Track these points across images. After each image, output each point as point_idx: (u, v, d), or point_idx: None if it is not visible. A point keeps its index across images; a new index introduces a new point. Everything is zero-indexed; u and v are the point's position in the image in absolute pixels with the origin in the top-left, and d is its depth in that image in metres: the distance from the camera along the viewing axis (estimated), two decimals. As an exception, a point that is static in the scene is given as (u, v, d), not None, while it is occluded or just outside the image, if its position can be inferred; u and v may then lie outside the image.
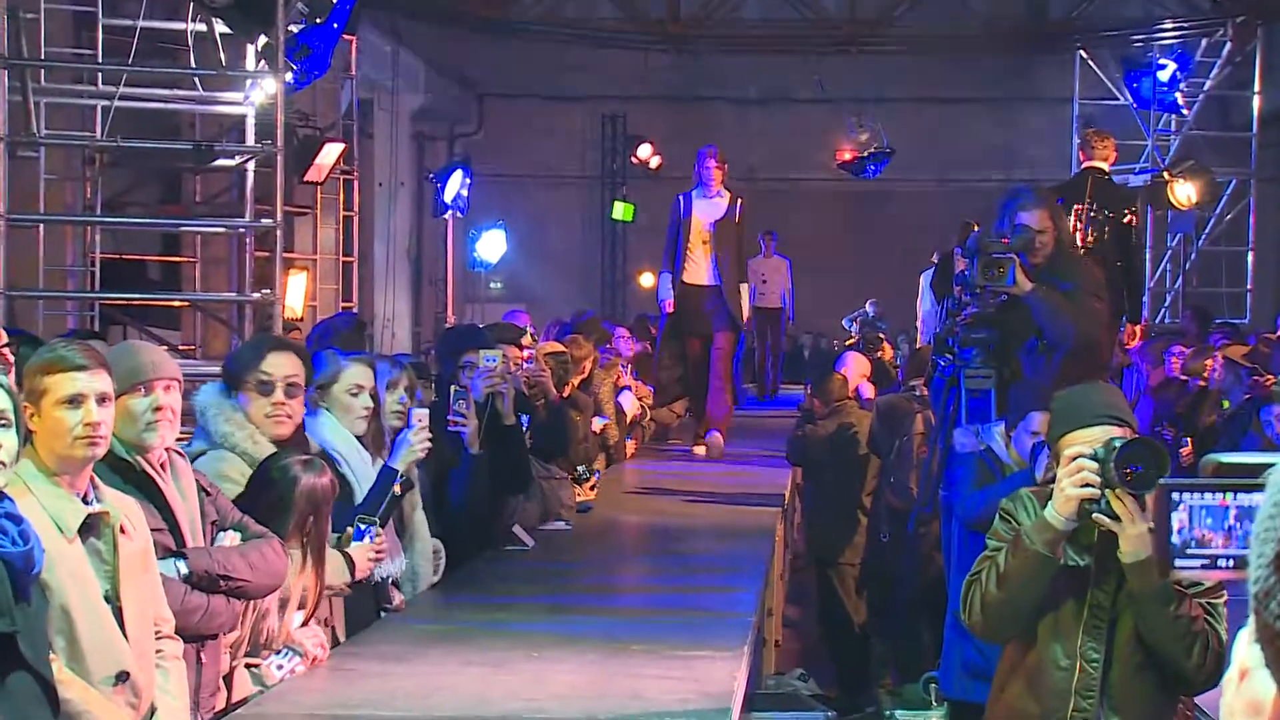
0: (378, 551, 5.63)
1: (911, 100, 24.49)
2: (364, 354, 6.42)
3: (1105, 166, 9.99)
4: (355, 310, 16.69)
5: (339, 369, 5.99)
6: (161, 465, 4.55)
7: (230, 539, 4.70)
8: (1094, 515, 4.22)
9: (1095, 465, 4.17)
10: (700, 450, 12.37)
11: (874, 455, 10.21)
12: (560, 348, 9.89)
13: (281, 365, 5.38)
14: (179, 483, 4.61)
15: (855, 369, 11.41)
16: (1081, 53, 20.03)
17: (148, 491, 4.46)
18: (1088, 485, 4.18)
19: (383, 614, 5.99)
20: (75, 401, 4.03)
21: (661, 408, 13.31)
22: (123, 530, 4.09)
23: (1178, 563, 1.90)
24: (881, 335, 15.60)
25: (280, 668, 4.95)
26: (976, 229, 7.97)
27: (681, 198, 12.43)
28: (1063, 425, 4.39)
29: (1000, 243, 7.01)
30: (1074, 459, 4.21)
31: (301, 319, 15.54)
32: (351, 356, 6.13)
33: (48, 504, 3.97)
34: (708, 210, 12.27)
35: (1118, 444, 4.16)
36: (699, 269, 12.24)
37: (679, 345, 12.61)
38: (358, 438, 5.98)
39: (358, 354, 6.29)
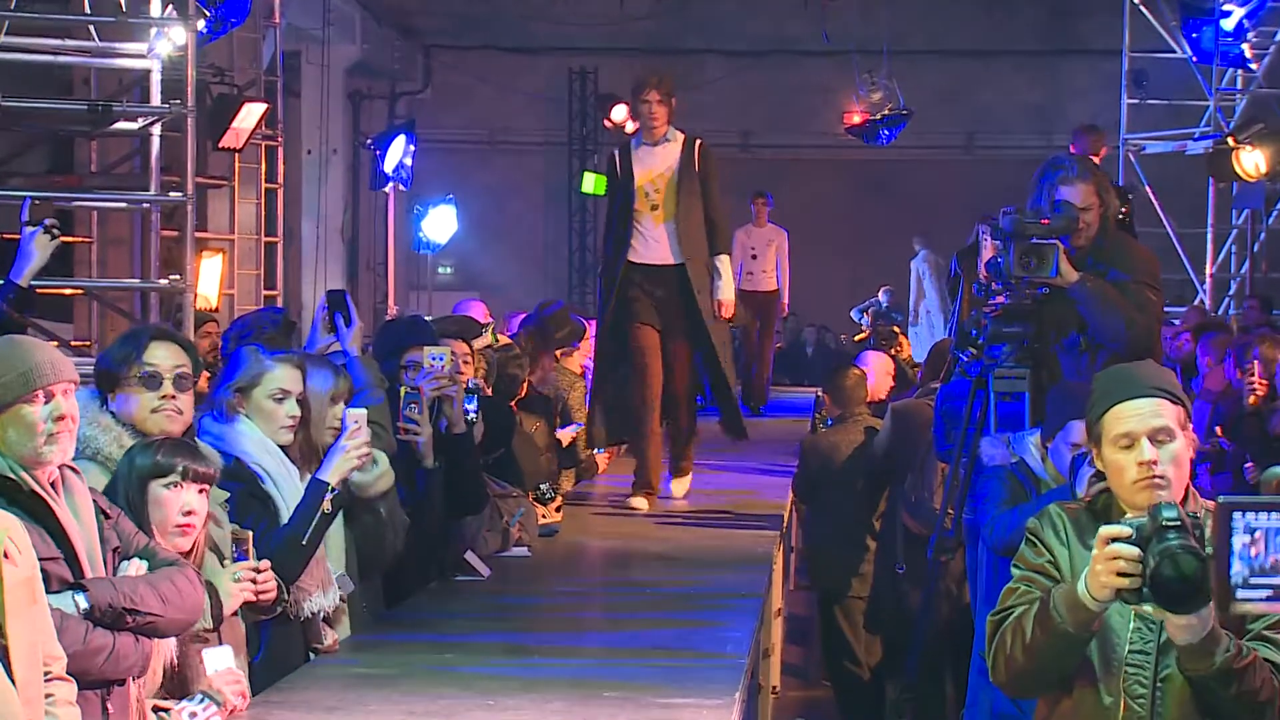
0: (256, 581, 5.40)
1: (933, 52, 24.57)
2: (292, 352, 6.42)
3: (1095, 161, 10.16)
4: (281, 302, 16.70)
5: (261, 369, 6.00)
6: (52, 484, 4.55)
7: (135, 568, 4.70)
8: (1134, 607, 4.17)
9: (1135, 553, 4.06)
10: (640, 503, 10.45)
11: (888, 470, 10.23)
12: (508, 342, 9.95)
13: (167, 356, 5.47)
14: (74, 504, 4.60)
15: (878, 370, 11.45)
16: (1132, -4, 20.09)
17: (37, 514, 4.46)
18: (1125, 574, 4.10)
19: (313, 655, 6.00)
20: None
21: (595, 449, 11.76)
22: (5, 555, 4.09)
23: (1240, 594, 1.93)
24: (897, 329, 15.67)
25: (194, 716, 4.96)
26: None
27: (616, 153, 10.97)
28: (1106, 400, 4.37)
29: (1039, 224, 7.02)
30: (1110, 541, 4.10)
31: (216, 309, 15.54)
32: (277, 355, 6.14)
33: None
34: (653, 161, 10.67)
35: (1166, 517, 4.04)
36: (649, 243, 10.59)
37: (620, 358, 10.74)
38: (283, 449, 5.99)
39: (284, 352, 6.30)
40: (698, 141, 10.70)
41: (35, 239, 7.31)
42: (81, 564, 4.55)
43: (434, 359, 7.43)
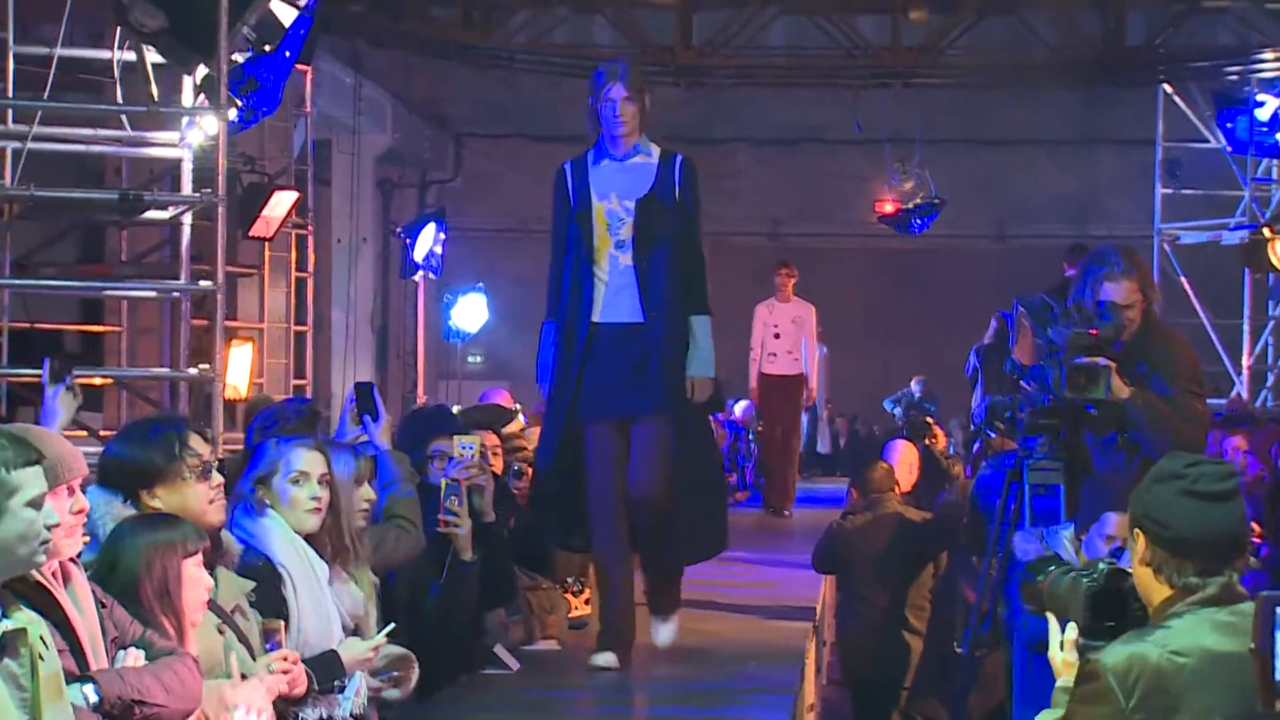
0: (287, 672, 5.38)
1: (965, 141, 24.63)
2: (308, 438, 6.45)
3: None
4: (310, 391, 16.74)
5: (277, 455, 6.03)
6: (54, 574, 4.58)
7: (134, 657, 4.72)
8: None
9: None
10: (607, 660, 8.10)
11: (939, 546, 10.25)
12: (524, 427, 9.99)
13: (205, 447, 5.54)
14: (75, 594, 4.63)
15: (903, 461, 11.45)
16: (1165, 86, 20.14)
17: (43, 606, 4.47)
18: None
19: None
20: (38, 502, 4.13)
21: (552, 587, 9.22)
22: (41, 649, 4.12)
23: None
24: (930, 419, 15.64)
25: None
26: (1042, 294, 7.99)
27: (567, 169, 8.34)
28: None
29: (1089, 334, 6.99)
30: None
31: (245, 399, 15.57)
32: (293, 441, 6.18)
33: (-47, 622, 4.01)
34: (618, 181, 8.19)
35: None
36: (612, 293, 8.16)
37: (573, 455, 8.20)
38: (309, 542, 6.00)
39: (300, 438, 6.33)
40: (679, 158, 8.27)
41: (59, 397, 7.34)
42: (85, 655, 4.57)
43: (464, 448, 7.46)
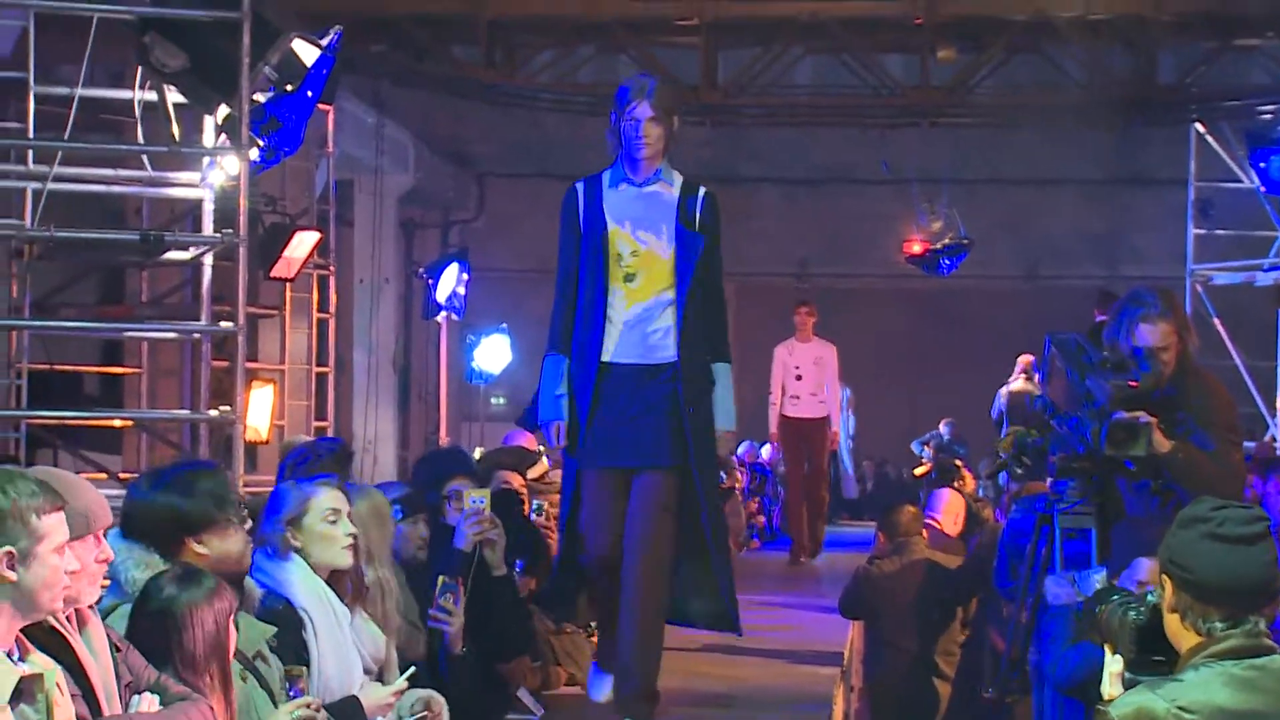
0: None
1: (994, 181, 24.62)
2: (327, 476, 6.47)
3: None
4: (332, 433, 16.74)
5: (306, 496, 6.06)
6: (68, 619, 4.58)
7: (148, 703, 4.72)
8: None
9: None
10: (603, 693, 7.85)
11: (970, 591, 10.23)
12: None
13: (240, 487, 5.54)
14: (89, 640, 4.64)
15: (950, 509, 11.42)
16: (1197, 126, 20.12)
17: (57, 651, 4.48)
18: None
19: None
20: (62, 549, 4.16)
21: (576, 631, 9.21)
22: (57, 695, 4.13)
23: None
24: (959, 462, 15.60)
25: None
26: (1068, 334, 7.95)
27: (580, 188, 7.75)
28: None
29: (1128, 386, 6.94)
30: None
31: (267, 441, 15.60)
32: (316, 480, 6.21)
33: (-27, 666, 4.02)
34: (635, 209, 7.63)
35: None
36: (619, 333, 7.60)
37: (598, 505, 7.62)
38: (331, 586, 6.02)
39: (323, 476, 6.36)
40: (703, 191, 7.70)
41: None
42: (99, 700, 4.57)
43: (475, 502, 7.46)
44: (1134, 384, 6.94)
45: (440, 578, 7.21)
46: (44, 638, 4.44)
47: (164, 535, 5.38)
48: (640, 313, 7.52)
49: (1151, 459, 6.92)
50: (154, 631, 4.93)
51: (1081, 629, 4.69)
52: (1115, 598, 4.51)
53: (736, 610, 7.78)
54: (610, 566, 7.49)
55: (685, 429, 7.45)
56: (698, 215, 7.59)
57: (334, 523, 6.08)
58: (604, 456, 7.51)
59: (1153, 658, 4.32)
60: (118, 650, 4.77)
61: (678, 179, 7.66)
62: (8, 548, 4.08)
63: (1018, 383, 18.02)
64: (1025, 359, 18.17)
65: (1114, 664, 4.42)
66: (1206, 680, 4.14)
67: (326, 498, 6.11)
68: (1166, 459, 6.90)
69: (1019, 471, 7.48)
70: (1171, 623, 4.30)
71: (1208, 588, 4.22)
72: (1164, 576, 4.34)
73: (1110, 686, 4.41)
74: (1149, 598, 4.43)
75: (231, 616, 5.02)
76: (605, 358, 7.50)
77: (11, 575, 4.09)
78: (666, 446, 7.44)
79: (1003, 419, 16.60)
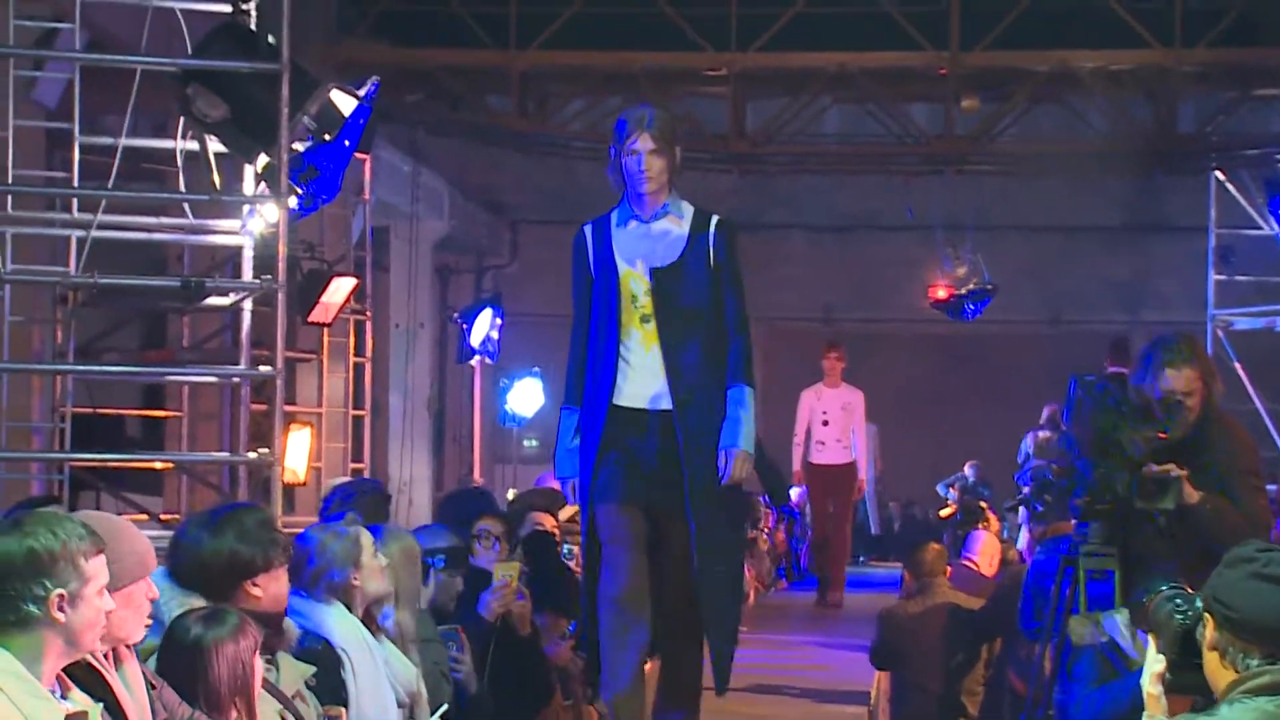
0: None
1: (1017, 228, 24.61)
2: (357, 512, 6.55)
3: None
4: (367, 474, 16.77)
5: (355, 535, 6.18)
6: (105, 656, 4.61)
7: (182, 739, 4.76)
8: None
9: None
10: None
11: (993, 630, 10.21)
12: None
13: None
14: (126, 678, 4.67)
15: (986, 551, 11.41)
16: (1217, 174, 20.11)
17: (94, 688, 4.51)
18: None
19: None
20: (103, 590, 4.20)
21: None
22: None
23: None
24: (984, 505, 15.56)
25: None
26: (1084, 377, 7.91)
27: (588, 230, 7.41)
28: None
29: (1158, 436, 6.91)
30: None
31: (304, 483, 15.64)
32: (339, 520, 6.30)
33: (22, 704, 4.04)
34: (644, 247, 7.22)
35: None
36: (634, 375, 7.17)
37: (616, 530, 7.16)
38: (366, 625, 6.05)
39: (335, 518, 6.45)
40: (715, 219, 7.26)
41: None
42: (134, 736, 4.61)
43: (504, 577, 7.59)
44: (1164, 435, 6.91)
45: (451, 643, 7.28)
46: (83, 675, 4.47)
47: (219, 580, 5.39)
48: (651, 354, 7.11)
49: (1179, 509, 6.90)
50: (179, 669, 4.96)
51: (1105, 672, 4.68)
52: (1164, 588, 4.52)
53: (723, 664, 7.17)
54: (634, 595, 7.01)
55: (699, 478, 6.99)
56: (711, 246, 7.16)
57: (375, 555, 6.20)
58: (620, 493, 7.06)
59: (1194, 660, 4.33)
60: (153, 688, 4.80)
61: (688, 210, 7.24)
62: (60, 590, 4.11)
63: (1045, 431, 17.98)
64: (1052, 408, 18.14)
65: (1156, 663, 4.43)
66: (1241, 715, 4.14)
67: (365, 533, 6.20)
68: (1194, 511, 6.88)
69: (1039, 510, 7.46)
70: (1210, 660, 4.29)
71: (1251, 626, 4.22)
72: (1206, 615, 4.34)
73: (1150, 685, 4.42)
74: (1197, 601, 4.42)
75: (256, 653, 5.03)
76: (617, 401, 7.10)
77: (62, 617, 4.12)
78: (679, 496, 6.99)
79: (1028, 460, 16.55)
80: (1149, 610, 4.53)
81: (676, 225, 7.17)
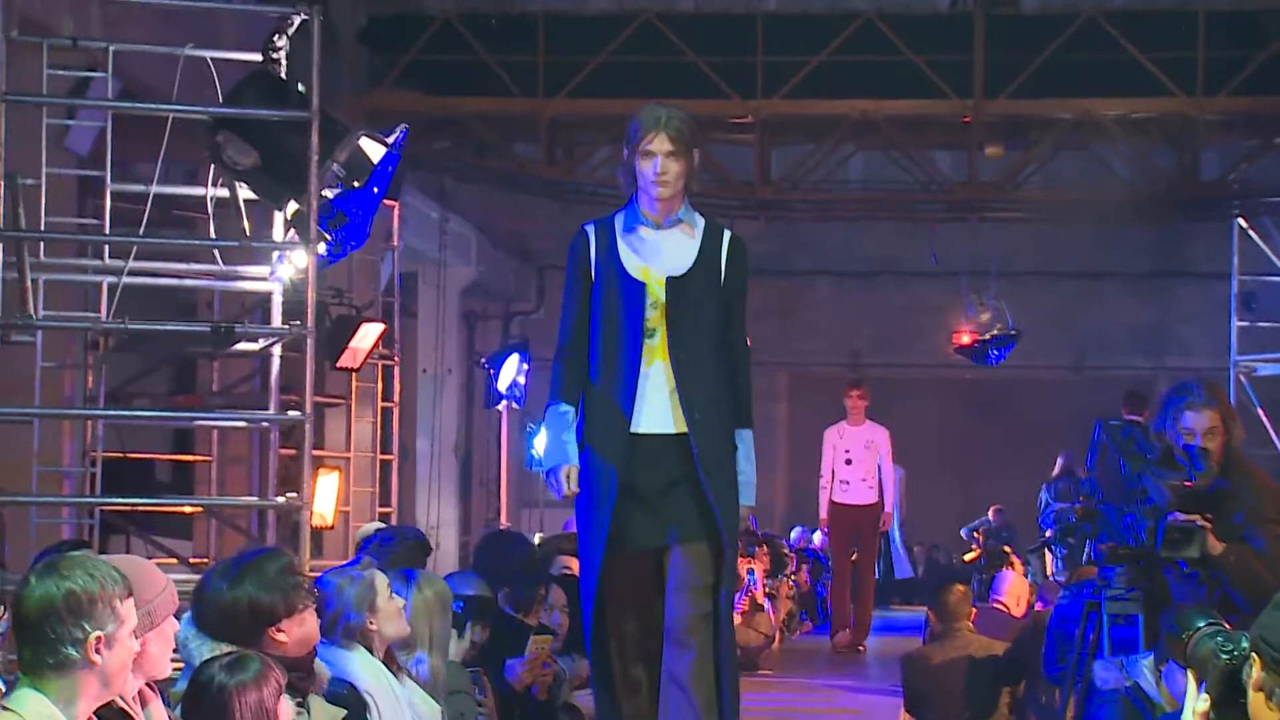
0: None
1: (1041, 274, 24.59)
2: (373, 555, 6.57)
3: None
4: (395, 520, 16.78)
5: (370, 579, 6.15)
6: (133, 698, 4.62)
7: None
8: None
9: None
10: None
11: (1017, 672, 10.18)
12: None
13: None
14: (151, 717, 4.68)
15: (1014, 592, 11.37)
16: (1240, 220, 20.06)
17: (122, 730, 4.52)
18: None
19: None
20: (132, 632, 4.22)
21: None
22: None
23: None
24: (1007, 549, 15.51)
25: None
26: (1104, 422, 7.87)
27: (589, 231, 6.93)
28: None
29: (1184, 485, 6.87)
30: None
31: (332, 527, 15.63)
32: (354, 565, 6.30)
33: (57, 748, 4.05)
34: (653, 255, 6.79)
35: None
36: (652, 396, 6.73)
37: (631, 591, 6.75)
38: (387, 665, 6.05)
39: (351, 564, 6.45)
40: (729, 235, 6.85)
41: None
42: (160, 777, 4.62)
43: (536, 649, 7.68)
44: (1189, 484, 6.86)
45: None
46: (111, 717, 4.48)
47: (243, 629, 5.38)
48: (655, 370, 6.64)
49: (1204, 558, 6.85)
50: (202, 715, 4.94)
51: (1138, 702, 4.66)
52: (1201, 623, 4.50)
53: (730, 703, 6.65)
54: (649, 656, 6.67)
55: (713, 498, 6.56)
56: (722, 261, 6.76)
57: (391, 597, 6.17)
58: (632, 539, 6.64)
59: (1240, 699, 4.29)
60: (178, 730, 4.81)
61: (700, 222, 6.82)
62: (98, 632, 4.11)
63: (1061, 484, 17.95)
64: (1065, 459, 18.15)
65: (1200, 702, 4.38)
66: None
67: (380, 576, 6.18)
68: (1219, 561, 6.83)
69: (1063, 554, 7.46)
70: (1256, 701, 4.25)
71: None
72: (1253, 656, 4.30)
73: None
74: (1243, 640, 4.38)
75: (280, 698, 5.02)
76: (635, 429, 6.63)
77: (99, 659, 4.13)
78: (695, 520, 6.57)
79: (1048, 506, 16.53)
80: (1188, 646, 4.50)
81: (689, 235, 6.75)
